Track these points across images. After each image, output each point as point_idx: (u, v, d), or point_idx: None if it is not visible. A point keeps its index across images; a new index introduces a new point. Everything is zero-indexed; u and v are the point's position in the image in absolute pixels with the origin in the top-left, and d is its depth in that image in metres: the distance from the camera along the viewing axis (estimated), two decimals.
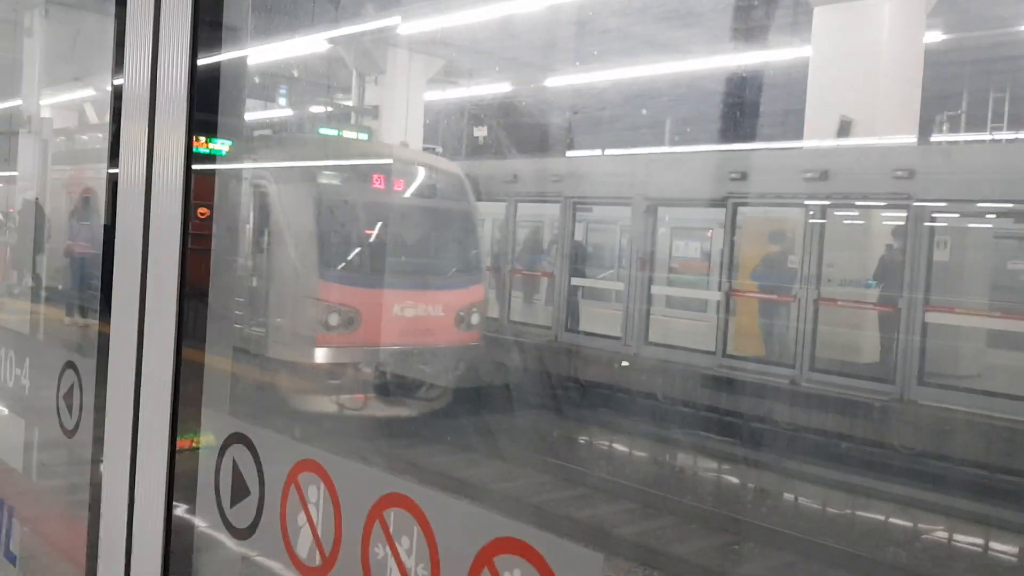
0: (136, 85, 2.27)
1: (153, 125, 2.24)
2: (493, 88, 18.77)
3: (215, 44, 2.34)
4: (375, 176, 11.95)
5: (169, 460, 2.10)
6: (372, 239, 11.81)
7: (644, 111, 17.95)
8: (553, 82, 18.06)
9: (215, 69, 2.33)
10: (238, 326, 10.83)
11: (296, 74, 16.46)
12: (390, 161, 12.38)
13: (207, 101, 2.29)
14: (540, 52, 16.18)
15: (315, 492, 1.92)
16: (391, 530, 1.75)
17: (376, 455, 10.03)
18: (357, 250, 11.64)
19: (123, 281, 2.28)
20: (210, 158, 2.30)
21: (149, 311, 2.20)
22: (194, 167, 2.15)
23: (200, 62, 2.16)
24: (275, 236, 11.23)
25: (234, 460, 2.12)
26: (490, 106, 17.83)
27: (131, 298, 2.23)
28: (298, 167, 11.80)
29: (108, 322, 2.31)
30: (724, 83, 14.99)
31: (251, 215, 11.40)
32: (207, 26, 2.22)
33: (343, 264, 11.47)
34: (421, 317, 11.31)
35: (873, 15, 10.73)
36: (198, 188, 2.20)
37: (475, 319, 11.87)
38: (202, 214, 2.32)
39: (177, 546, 2.07)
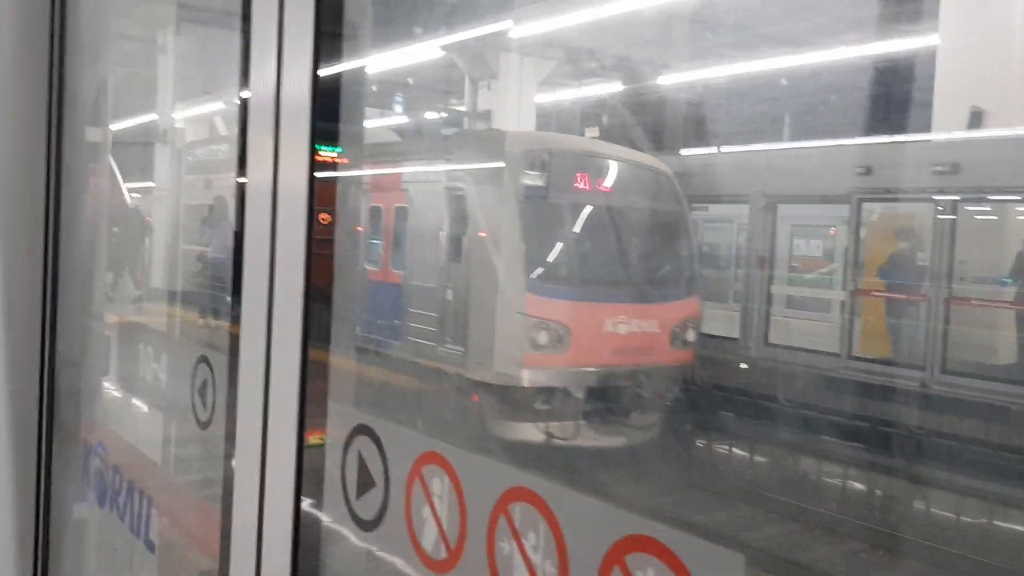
0: (262, 96, 2.36)
1: (278, 133, 2.32)
2: (604, 88, 18.68)
3: (336, 55, 2.42)
4: (579, 175, 10.77)
5: (297, 452, 2.18)
6: (580, 245, 10.77)
7: (762, 106, 17.55)
8: (666, 80, 17.83)
9: (336, 78, 2.41)
10: (431, 343, 10.58)
11: (411, 81, 16.78)
12: (593, 158, 11.29)
13: (329, 109, 2.37)
14: (650, 49, 16.01)
15: (439, 485, 1.94)
16: (517, 525, 1.73)
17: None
18: (565, 258, 10.66)
19: (252, 282, 2.37)
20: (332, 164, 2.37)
21: (276, 310, 2.29)
22: (320, 174, 2.22)
23: (321, 72, 2.23)
24: (474, 243, 10.34)
25: (359, 452, 2.18)
26: (602, 105, 17.76)
27: (260, 298, 2.32)
28: (499, 167, 10.64)
29: (238, 322, 2.41)
30: (845, 75, 14.51)
31: (445, 220, 10.72)
32: (328, 37, 2.30)
33: (552, 274, 10.44)
34: (635, 334, 10.17)
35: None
36: (322, 193, 2.27)
37: (690, 336, 10.67)
38: (324, 219, 2.40)
39: (306, 536, 2.14)
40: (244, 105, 2.47)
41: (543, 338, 9.80)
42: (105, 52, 4.01)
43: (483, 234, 10.27)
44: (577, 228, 10.71)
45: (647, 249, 11.20)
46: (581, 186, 10.70)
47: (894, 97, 13.95)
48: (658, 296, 10.65)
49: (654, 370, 10.38)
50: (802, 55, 15.05)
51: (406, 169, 11.99)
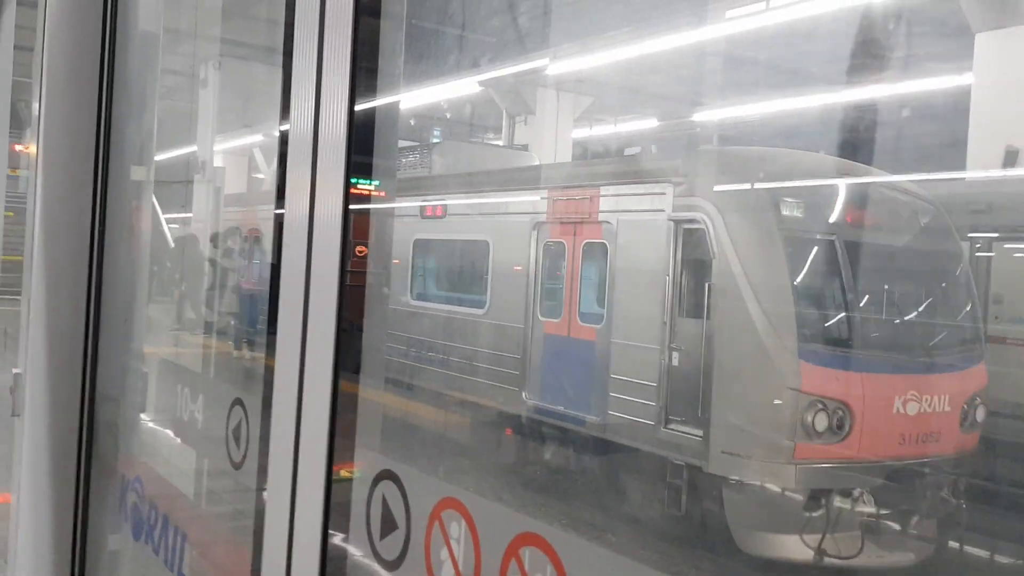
0: (301, 130, 2.39)
1: (316, 167, 2.35)
2: (640, 123, 18.76)
3: (372, 91, 2.45)
4: (851, 206, 8.69)
5: (326, 493, 2.18)
6: (860, 297, 8.33)
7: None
8: (699, 116, 17.88)
9: (371, 113, 2.44)
10: (647, 423, 8.44)
11: (449, 116, 16.98)
12: (861, 184, 9.05)
13: (365, 143, 2.40)
14: (683, 86, 16.07)
15: (456, 528, 1.99)
16: (526, 567, 1.81)
17: None
18: (845, 315, 8.23)
19: (287, 316, 2.39)
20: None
21: (310, 346, 2.30)
22: (356, 206, 2.24)
23: (358, 107, 2.26)
24: (719, 293, 8.12)
25: (384, 496, 2.21)
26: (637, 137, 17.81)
27: (294, 333, 2.33)
28: (755, 194, 8.49)
29: (273, 356, 2.43)
30: (873, 113, 14.44)
31: (670, 262, 8.53)
32: (364, 73, 2.33)
33: (832, 337, 8.17)
34: (925, 414, 7.90)
35: None
36: (359, 225, 2.29)
37: (980, 414, 8.28)
38: (359, 252, 2.41)
39: (332, 572, 2.15)
40: (284, 138, 2.50)
41: (821, 422, 7.57)
42: (152, 92, 4.11)
43: (737, 281, 7.95)
44: (855, 274, 8.26)
45: (934, 301, 8.85)
46: (855, 220, 8.61)
47: (926, 136, 13.84)
48: (948, 363, 8.37)
49: (944, 461, 8.10)
50: (835, 94, 15.01)
51: (600, 194, 9.58)
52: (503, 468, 10.39)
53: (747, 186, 8.62)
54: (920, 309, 8.72)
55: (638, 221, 9.03)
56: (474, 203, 11.71)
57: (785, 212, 8.18)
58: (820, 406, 7.60)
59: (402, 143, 17.99)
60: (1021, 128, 10.52)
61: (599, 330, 9.37)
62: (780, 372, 7.72)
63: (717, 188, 8.53)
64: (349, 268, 2.29)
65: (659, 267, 8.65)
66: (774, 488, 7.84)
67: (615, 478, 9.46)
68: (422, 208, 12.31)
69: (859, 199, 8.84)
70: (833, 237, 8.20)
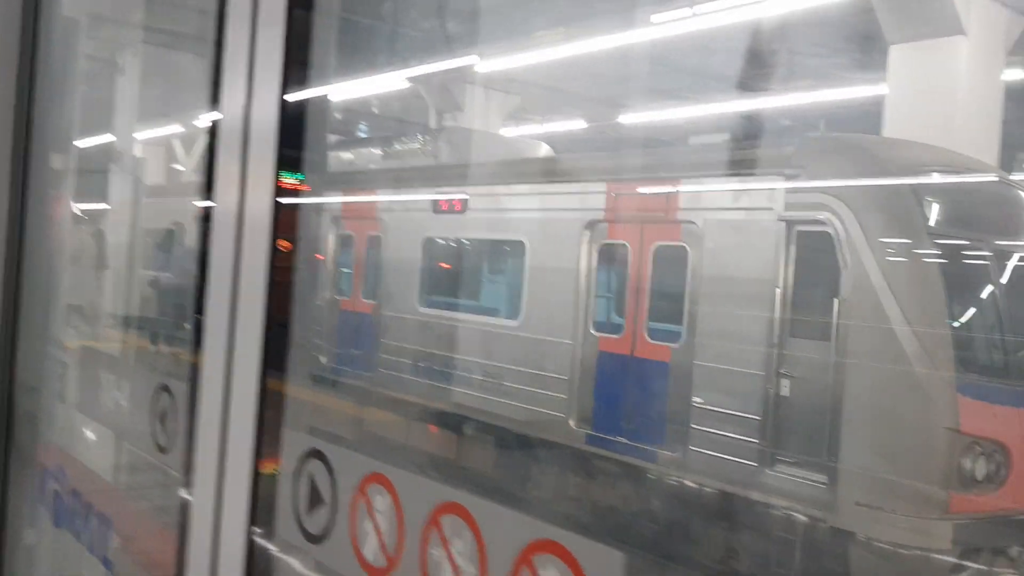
0: (231, 121, 2.40)
1: (246, 160, 2.36)
2: (568, 124, 18.95)
3: (304, 83, 2.47)
4: (990, 209, 7.41)
5: (252, 478, 2.21)
6: (1011, 316, 6.97)
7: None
8: (626, 118, 18.15)
9: (305, 105, 2.46)
10: (748, 464, 7.03)
11: (376, 111, 16.89)
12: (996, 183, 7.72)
13: (295, 136, 2.42)
14: (613, 89, 16.29)
15: (381, 501, 2.06)
16: (446, 534, 1.91)
17: None
18: (996, 338, 6.97)
19: (215, 307, 2.39)
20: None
21: (239, 337, 2.31)
22: (284, 201, 2.26)
23: (291, 98, 2.28)
24: (852, 311, 6.59)
25: (311, 473, 2.26)
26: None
27: (221, 324, 2.34)
28: (906, 186, 6.95)
29: (198, 349, 2.43)
30: (791, 118, 14.91)
31: (781, 271, 7.05)
32: (296, 65, 2.35)
33: (991, 367, 6.83)
34: None
35: (950, 53, 10.57)
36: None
37: None
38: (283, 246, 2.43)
39: (259, 555, 2.18)
40: (212, 129, 2.50)
41: (981, 469, 6.26)
42: (73, 78, 4.04)
43: (879, 297, 6.45)
44: (1008, 290, 7.03)
45: None
46: (1004, 225, 7.40)
47: None
48: None
49: None
50: (766, 99, 15.41)
51: (680, 188, 8.11)
52: (544, 506, 8.65)
53: (887, 180, 7.04)
54: None
55: (733, 221, 7.55)
56: (506, 197, 9.85)
57: (934, 215, 6.84)
58: (979, 449, 6.27)
59: (396, 127, 17.14)
60: (930, 137, 10.97)
61: (676, 350, 7.83)
62: (935, 408, 6.32)
63: (847, 183, 6.97)
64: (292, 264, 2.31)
65: (763, 276, 7.16)
66: (920, 548, 6.30)
67: (699, 526, 7.84)
68: (435, 203, 10.47)
69: (1003, 200, 7.60)
70: (984, 245, 7.05)
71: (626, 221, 8.42)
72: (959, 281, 6.93)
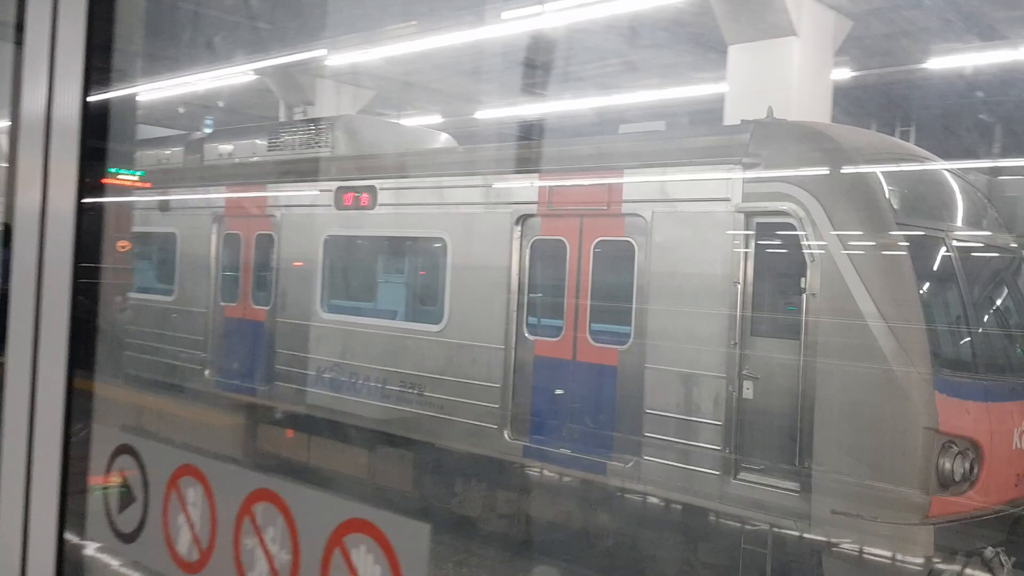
0: (32, 116, 2.31)
1: (48, 156, 2.28)
2: (422, 120, 18.94)
3: (123, 77, 2.40)
4: (945, 200, 7.32)
5: (61, 482, 2.15)
6: (974, 309, 6.90)
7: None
8: (482, 114, 18.31)
9: (119, 100, 2.39)
10: (709, 471, 6.68)
11: (222, 104, 16.40)
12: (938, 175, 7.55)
13: (112, 131, 2.35)
14: (470, 84, 16.40)
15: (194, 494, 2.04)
16: (258, 522, 1.91)
17: None
18: (965, 332, 6.79)
19: (18, 308, 2.31)
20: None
21: (43, 340, 2.24)
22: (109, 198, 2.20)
23: (109, 95, 2.21)
24: (822, 307, 6.34)
25: (122, 469, 2.22)
26: None
27: (26, 327, 2.26)
28: (873, 175, 6.70)
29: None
30: (641, 114, 15.37)
31: (743, 267, 6.73)
32: (101, 56, 2.28)
33: (961, 361, 6.70)
34: None
35: (783, 53, 11.16)
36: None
37: None
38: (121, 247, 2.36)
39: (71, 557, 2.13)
40: (13, 124, 2.41)
41: (959, 468, 6.04)
42: None
43: (851, 291, 6.21)
44: (971, 282, 6.92)
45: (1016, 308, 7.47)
46: (959, 216, 7.31)
47: None
48: None
49: None
50: (612, 99, 15.80)
51: (623, 180, 7.55)
52: (477, 535, 8.33)
53: (853, 169, 6.70)
54: (1013, 319, 7.32)
55: (685, 213, 7.11)
56: (425, 190, 9.08)
57: (899, 204, 6.62)
58: (955, 448, 6.03)
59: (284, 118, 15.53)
60: None
61: (623, 352, 7.38)
62: (913, 407, 6.02)
63: (811, 171, 6.62)
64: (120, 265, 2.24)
65: (720, 271, 6.80)
66: (899, 555, 6.08)
67: (655, 543, 7.46)
68: (337, 197, 9.62)
69: (959, 190, 7.45)
70: (943, 236, 6.85)
71: (561, 215, 7.90)
72: (928, 273, 6.75)
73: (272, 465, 9.91)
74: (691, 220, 7.08)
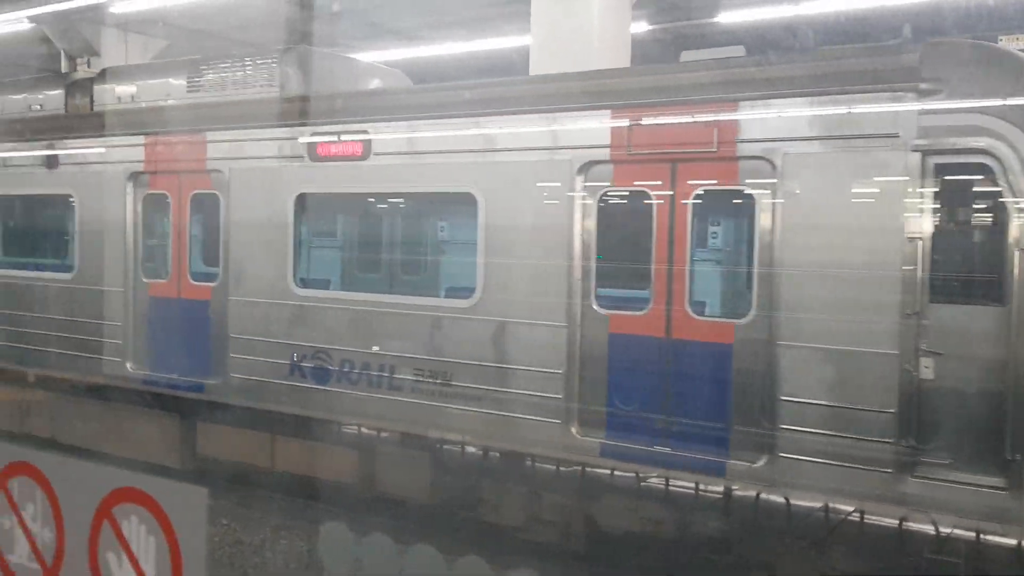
0: None
1: None
2: None
3: None
4: None
5: None
6: None
7: None
8: None
9: None
10: (882, 471, 5.72)
11: None
12: None
13: None
14: (269, 32, 15.75)
15: None
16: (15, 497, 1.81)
17: None
18: None
19: None
20: None
21: None
22: None
23: None
24: None
25: None
26: None
27: None
28: None
29: None
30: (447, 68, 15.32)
31: (919, 218, 5.72)
32: None
33: None
34: None
35: (584, 3, 11.36)
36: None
37: None
38: None
39: None
40: None
41: None
42: None
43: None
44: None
45: None
46: None
47: None
48: None
49: None
50: (424, 48, 15.57)
51: (738, 112, 6.31)
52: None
53: None
54: None
55: (827, 155, 5.96)
56: (441, 136, 7.70)
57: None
58: None
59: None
60: None
61: (741, 327, 6.30)
62: None
63: (1012, 101, 5.48)
64: None
65: (887, 225, 5.71)
66: None
67: (813, 562, 6.18)
68: (311, 146, 8.19)
69: None
70: None
71: (648, 160, 6.69)
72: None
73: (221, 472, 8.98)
74: (840, 163, 5.97)
